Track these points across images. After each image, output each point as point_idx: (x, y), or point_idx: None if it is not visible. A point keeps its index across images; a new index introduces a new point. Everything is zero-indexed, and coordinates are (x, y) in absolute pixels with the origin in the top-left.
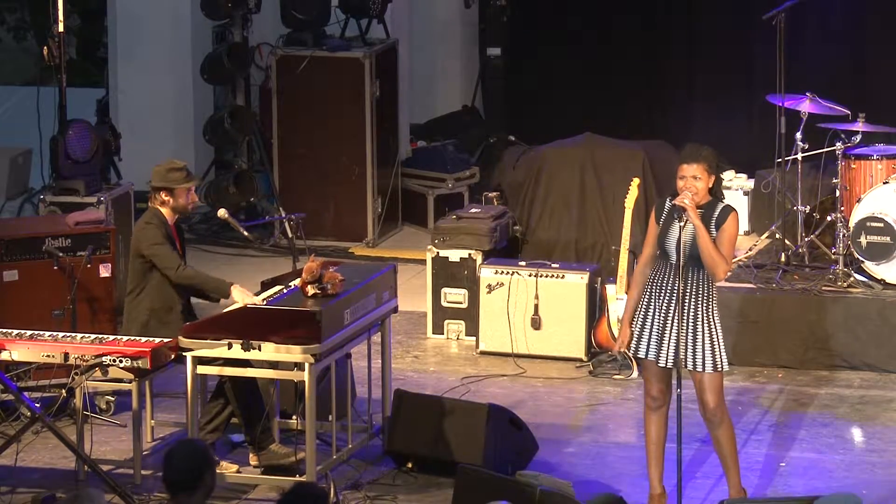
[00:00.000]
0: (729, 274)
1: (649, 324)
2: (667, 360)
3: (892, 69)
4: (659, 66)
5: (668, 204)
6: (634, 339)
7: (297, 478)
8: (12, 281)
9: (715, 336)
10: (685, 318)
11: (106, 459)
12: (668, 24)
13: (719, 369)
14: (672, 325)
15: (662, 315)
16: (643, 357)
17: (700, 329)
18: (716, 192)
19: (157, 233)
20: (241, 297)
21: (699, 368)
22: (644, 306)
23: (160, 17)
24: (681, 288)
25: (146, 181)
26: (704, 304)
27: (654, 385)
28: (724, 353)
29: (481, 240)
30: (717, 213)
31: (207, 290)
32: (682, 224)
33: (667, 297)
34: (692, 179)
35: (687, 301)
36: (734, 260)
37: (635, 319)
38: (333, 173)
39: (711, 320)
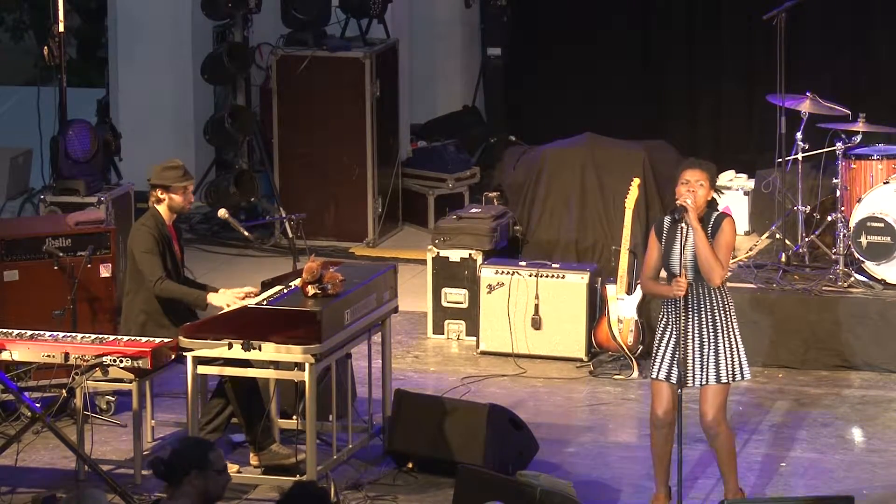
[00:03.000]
0: (728, 275)
1: (664, 346)
2: (689, 380)
3: (892, 69)
4: (659, 65)
5: (667, 221)
6: (654, 361)
7: (298, 478)
8: (12, 281)
9: (735, 345)
10: (706, 332)
11: (106, 459)
12: (668, 24)
13: (747, 377)
14: (695, 344)
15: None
16: (664, 380)
17: (721, 340)
18: (711, 206)
19: (148, 238)
20: (221, 301)
21: (724, 380)
22: (661, 330)
23: (160, 17)
24: (691, 293)
25: (146, 181)
26: (722, 314)
27: (661, 405)
28: (745, 361)
29: (481, 240)
30: (712, 221)
31: (187, 304)
32: (682, 224)
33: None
34: (696, 184)
35: (705, 315)
36: (734, 260)
37: (656, 343)
38: (333, 173)
39: (732, 329)
